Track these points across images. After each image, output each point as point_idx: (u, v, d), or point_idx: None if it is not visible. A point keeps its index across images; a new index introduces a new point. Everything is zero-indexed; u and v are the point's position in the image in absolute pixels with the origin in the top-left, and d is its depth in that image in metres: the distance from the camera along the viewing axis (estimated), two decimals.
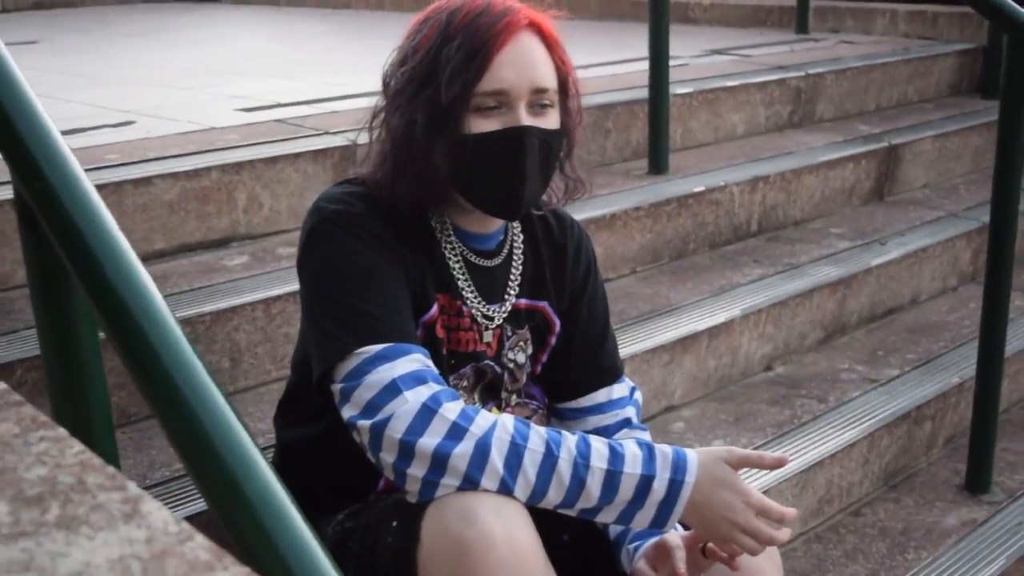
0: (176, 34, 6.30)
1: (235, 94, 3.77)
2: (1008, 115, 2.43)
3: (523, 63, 1.50)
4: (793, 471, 2.39)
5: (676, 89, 3.51)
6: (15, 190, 1.09)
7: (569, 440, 1.43)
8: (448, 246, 1.61)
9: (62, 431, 0.82)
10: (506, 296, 1.67)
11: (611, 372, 1.76)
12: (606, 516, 1.45)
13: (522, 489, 1.39)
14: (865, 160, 3.75)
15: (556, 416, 1.77)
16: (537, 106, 1.52)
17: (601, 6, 6.36)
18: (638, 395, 1.80)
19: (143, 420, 2.13)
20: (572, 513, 1.45)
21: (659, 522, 1.44)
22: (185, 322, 2.15)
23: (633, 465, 1.43)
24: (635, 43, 4.75)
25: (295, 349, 1.76)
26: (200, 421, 0.89)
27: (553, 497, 1.41)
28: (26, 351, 2.01)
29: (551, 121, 1.55)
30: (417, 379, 1.41)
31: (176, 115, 3.28)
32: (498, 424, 1.40)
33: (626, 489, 1.42)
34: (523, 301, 1.69)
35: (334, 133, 2.91)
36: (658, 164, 3.31)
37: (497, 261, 1.66)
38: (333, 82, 4.02)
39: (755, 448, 2.45)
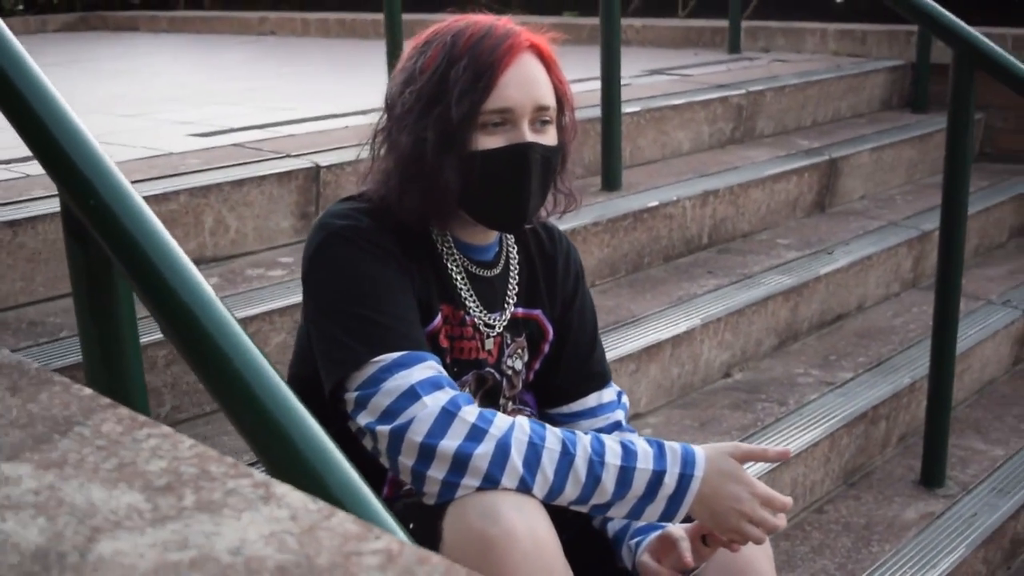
0: (101, 64, 6.26)
1: (183, 120, 3.78)
2: (956, 126, 2.54)
3: (526, 82, 1.57)
4: (760, 471, 2.46)
5: (625, 108, 3.60)
6: (63, 207, 1.12)
7: (583, 439, 1.49)
8: (450, 258, 1.67)
9: (166, 428, 0.86)
10: (506, 305, 1.73)
11: (600, 377, 1.82)
12: (618, 511, 1.50)
13: (540, 487, 1.44)
14: (807, 173, 3.87)
15: (548, 422, 1.82)
16: (538, 123, 1.60)
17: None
18: (625, 399, 1.86)
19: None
20: (585, 509, 1.50)
21: (668, 515, 1.51)
22: (164, 343, 2.16)
23: (645, 461, 1.49)
24: (574, 65, 4.84)
25: (290, 364, 1.79)
26: (269, 411, 0.94)
27: (569, 493, 1.47)
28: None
29: (550, 138, 1.62)
30: (434, 384, 1.46)
31: (129, 141, 3.29)
32: (516, 425, 1.45)
33: (639, 484, 1.48)
34: (520, 310, 1.75)
35: (296, 156, 2.94)
36: (611, 181, 3.39)
37: (496, 271, 1.72)
38: (279, 107, 4.05)
39: None
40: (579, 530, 1.71)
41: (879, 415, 2.87)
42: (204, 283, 1.05)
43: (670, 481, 1.49)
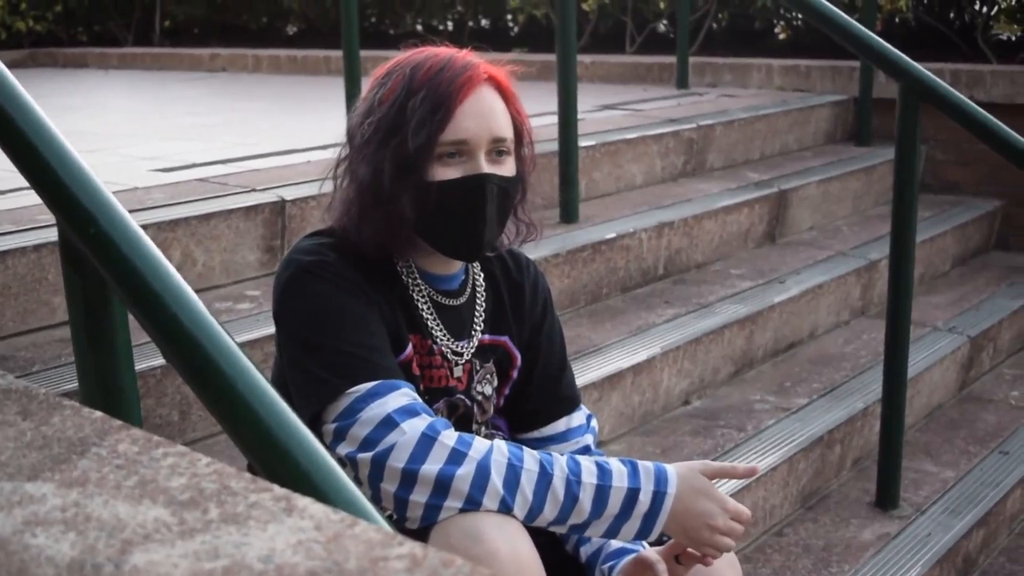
0: (53, 100, 6.22)
1: (143, 156, 3.79)
2: (902, 159, 2.64)
3: (483, 115, 1.62)
4: (731, 489, 2.52)
5: (580, 142, 3.67)
6: (61, 236, 1.16)
7: (560, 460, 1.54)
8: (415, 288, 1.71)
9: (182, 447, 0.90)
10: (473, 332, 1.77)
11: (570, 401, 1.87)
12: (595, 530, 1.55)
13: (520, 507, 1.48)
14: (758, 205, 3.96)
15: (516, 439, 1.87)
16: (495, 154, 1.64)
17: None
18: (595, 422, 1.91)
19: None
20: (563, 530, 1.55)
21: (644, 533, 1.55)
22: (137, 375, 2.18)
23: (620, 479, 1.54)
24: (527, 100, 4.92)
25: None
26: (274, 433, 0.98)
27: (548, 514, 1.51)
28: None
29: (508, 168, 1.66)
30: (410, 412, 1.50)
31: None
32: (494, 447, 1.50)
33: (614, 503, 1.53)
34: (487, 336, 1.79)
35: (261, 190, 2.98)
36: (569, 213, 3.46)
37: (462, 300, 1.76)
38: (238, 142, 4.07)
39: None
40: (551, 553, 1.74)
41: (834, 439, 2.95)
42: (204, 308, 1.09)
43: (645, 499, 1.54)
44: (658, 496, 1.54)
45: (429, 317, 1.71)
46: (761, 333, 3.34)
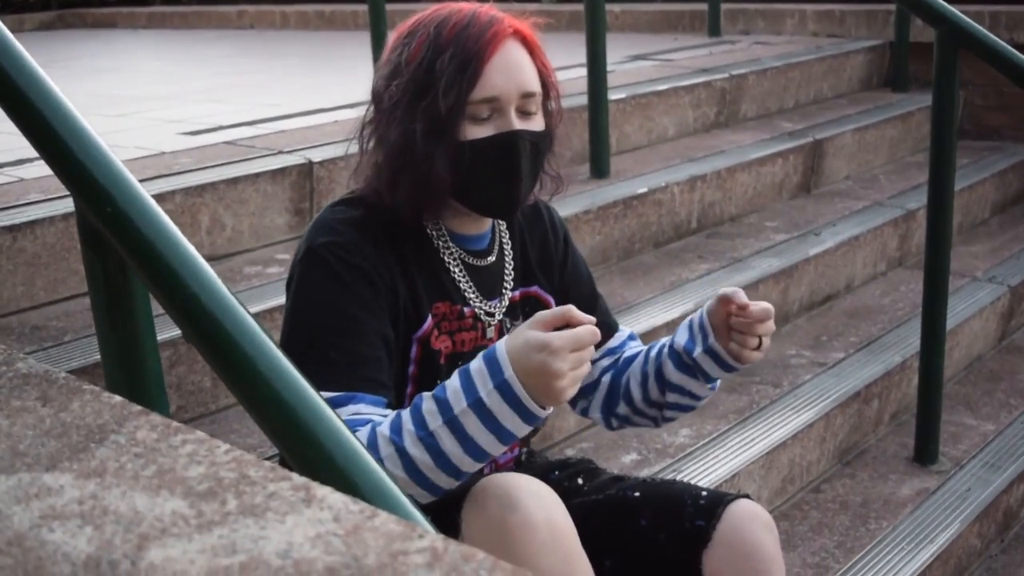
0: (82, 62, 6.24)
1: (171, 119, 3.79)
2: (940, 106, 2.58)
3: (511, 70, 1.59)
4: (759, 453, 2.50)
5: (610, 95, 3.62)
6: (78, 215, 1.14)
7: (403, 421, 1.45)
8: (447, 251, 1.68)
9: (201, 434, 0.88)
10: (503, 291, 1.75)
11: (608, 327, 1.85)
12: (493, 447, 1.44)
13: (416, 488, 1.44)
14: (792, 156, 3.90)
15: None
16: (524, 109, 1.61)
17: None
18: (637, 341, 1.91)
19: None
20: (478, 466, 1.46)
21: (527, 418, 1.43)
22: (168, 343, 2.18)
23: (458, 401, 1.43)
24: (556, 52, 4.86)
25: None
26: (297, 413, 0.96)
27: (437, 478, 1.44)
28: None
29: (537, 123, 1.64)
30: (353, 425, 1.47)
31: (120, 142, 3.29)
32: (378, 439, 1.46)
33: (472, 424, 1.43)
34: (517, 292, 1.77)
35: (288, 152, 2.96)
36: (600, 168, 3.42)
37: (491, 259, 1.74)
38: (266, 103, 4.05)
39: (720, 434, 2.56)
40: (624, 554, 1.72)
41: (871, 394, 2.91)
42: (225, 288, 1.07)
43: (492, 400, 1.42)
44: (502, 387, 1.41)
45: (462, 279, 1.69)
46: (796, 287, 3.29)
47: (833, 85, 4.82)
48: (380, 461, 1.34)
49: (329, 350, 1.53)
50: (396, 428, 1.45)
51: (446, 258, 1.68)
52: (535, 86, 1.62)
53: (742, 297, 1.67)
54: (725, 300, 1.68)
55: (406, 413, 1.46)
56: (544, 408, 1.43)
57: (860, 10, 5.21)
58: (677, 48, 5.09)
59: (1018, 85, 2.60)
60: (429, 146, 1.57)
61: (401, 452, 1.43)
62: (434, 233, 1.69)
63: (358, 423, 1.48)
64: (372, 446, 1.44)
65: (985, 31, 2.62)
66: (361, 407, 1.50)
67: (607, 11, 6.24)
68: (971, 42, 2.59)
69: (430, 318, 1.65)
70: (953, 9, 2.62)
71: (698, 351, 1.72)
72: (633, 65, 4.56)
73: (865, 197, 3.97)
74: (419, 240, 1.67)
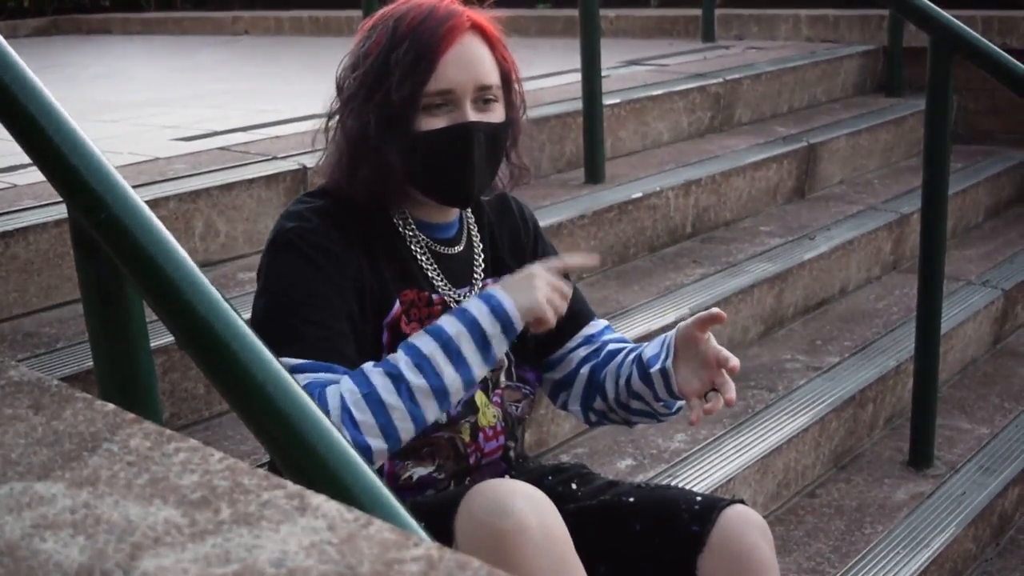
0: (77, 68, 6.22)
1: (165, 125, 3.78)
2: (934, 112, 2.58)
3: (467, 63, 1.61)
4: (754, 458, 2.50)
5: (605, 100, 3.62)
6: (72, 222, 1.13)
7: (397, 359, 1.53)
8: (413, 239, 1.71)
9: (194, 441, 0.88)
10: (474, 280, 1.76)
11: (583, 315, 1.85)
12: (480, 369, 1.55)
13: (405, 419, 1.49)
14: (787, 160, 3.91)
15: (548, 371, 1.86)
16: (481, 101, 1.64)
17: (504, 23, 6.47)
18: (615, 333, 1.90)
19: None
20: (463, 392, 1.55)
21: (508, 328, 1.55)
22: (161, 350, 2.18)
23: (453, 325, 1.54)
24: (551, 57, 4.87)
25: None
26: (292, 420, 0.96)
27: (432, 412, 1.52)
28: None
29: (496, 115, 1.66)
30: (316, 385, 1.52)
31: (115, 147, 3.29)
32: (339, 394, 1.50)
33: (467, 345, 1.53)
34: (488, 280, 1.78)
35: (282, 158, 2.96)
36: (595, 173, 3.42)
37: (459, 248, 1.76)
38: (260, 108, 4.05)
39: (715, 439, 2.56)
40: (653, 522, 1.72)
41: (866, 398, 2.91)
42: (219, 296, 1.07)
43: (488, 321, 1.54)
44: (497, 311, 1.54)
45: (429, 267, 1.71)
46: (791, 291, 3.29)
47: (827, 90, 4.83)
48: (357, 404, 1.47)
49: (296, 322, 1.56)
50: (388, 365, 1.52)
51: (413, 246, 1.71)
52: (493, 79, 1.65)
53: (715, 312, 1.67)
54: (700, 323, 1.67)
55: (395, 354, 1.54)
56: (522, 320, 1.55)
57: (854, 15, 5.22)
58: (671, 53, 5.10)
59: (1011, 90, 2.61)
60: (383, 137, 1.61)
61: (398, 378, 1.49)
62: (400, 222, 1.72)
63: (322, 383, 1.52)
64: (350, 389, 1.49)
65: (978, 36, 2.63)
66: (322, 375, 1.54)
67: (602, 16, 6.26)
68: (964, 47, 2.59)
69: (398, 304, 1.67)
70: (946, 14, 2.62)
71: (655, 368, 1.71)
72: (628, 70, 4.56)
73: (859, 201, 3.97)
74: (385, 228, 1.70)
